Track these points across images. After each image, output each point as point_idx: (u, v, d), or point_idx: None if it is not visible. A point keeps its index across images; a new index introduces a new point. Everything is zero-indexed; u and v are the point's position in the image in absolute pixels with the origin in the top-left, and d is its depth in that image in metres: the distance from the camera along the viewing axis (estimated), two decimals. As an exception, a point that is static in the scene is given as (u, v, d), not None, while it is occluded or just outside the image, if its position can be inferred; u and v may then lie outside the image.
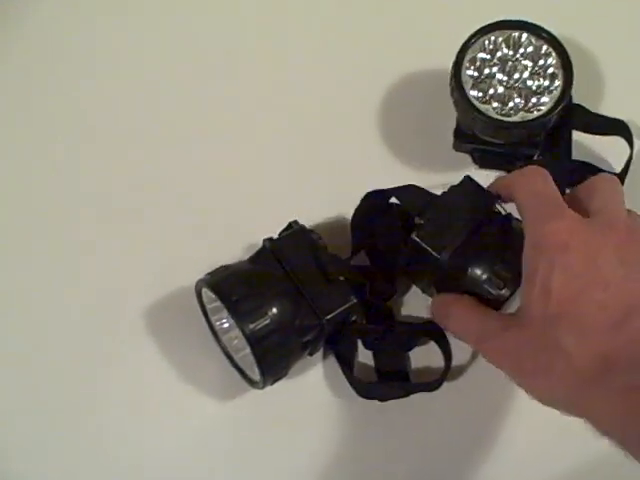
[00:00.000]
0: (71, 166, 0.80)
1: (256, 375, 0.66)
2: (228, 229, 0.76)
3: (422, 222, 0.66)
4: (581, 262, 0.55)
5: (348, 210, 0.73)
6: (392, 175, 0.78)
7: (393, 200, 0.71)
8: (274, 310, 0.64)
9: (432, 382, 0.69)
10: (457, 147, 0.79)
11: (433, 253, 0.65)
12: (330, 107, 0.82)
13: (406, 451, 0.70)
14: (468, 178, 0.69)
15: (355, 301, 0.66)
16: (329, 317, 0.65)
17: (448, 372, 0.69)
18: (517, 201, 0.62)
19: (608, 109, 0.79)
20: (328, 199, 0.77)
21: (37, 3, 0.86)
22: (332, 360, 0.72)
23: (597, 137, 0.78)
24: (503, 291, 0.65)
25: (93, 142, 0.81)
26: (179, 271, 0.72)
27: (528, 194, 0.61)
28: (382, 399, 0.70)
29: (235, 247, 0.73)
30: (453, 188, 0.68)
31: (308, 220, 0.73)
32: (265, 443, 0.71)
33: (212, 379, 0.72)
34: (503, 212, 0.69)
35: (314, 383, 0.72)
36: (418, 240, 0.66)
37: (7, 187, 0.80)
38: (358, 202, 0.73)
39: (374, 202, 0.71)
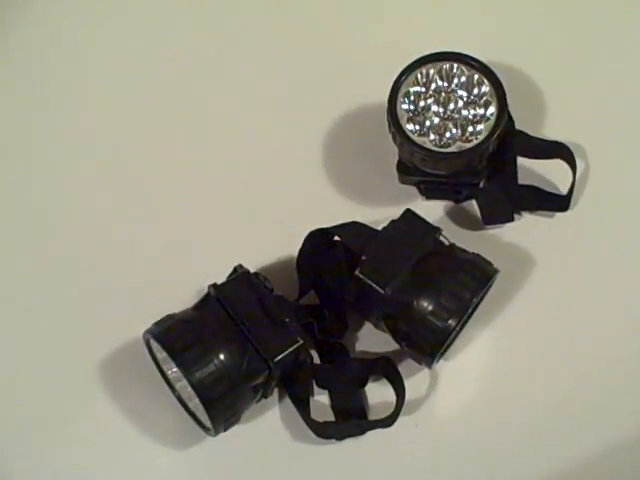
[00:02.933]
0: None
1: (209, 418, 0.65)
2: (177, 276, 0.76)
3: (364, 257, 0.66)
4: None
5: (295, 249, 0.73)
6: (340, 212, 0.77)
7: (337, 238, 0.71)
8: (220, 357, 0.63)
9: (386, 418, 0.68)
10: (402, 180, 0.79)
11: (377, 288, 0.65)
12: (272, 149, 0.83)
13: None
14: (409, 211, 0.69)
15: (301, 342, 0.66)
16: (276, 360, 0.65)
17: (402, 407, 0.69)
18: None
19: (552, 131, 0.80)
20: (275, 239, 0.77)
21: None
22: (288, 401, 0.71)
23: (543, 160, 0.79)
24: (450, 322, 0.65)
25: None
26: (130, 322, 0.72)
27: None
28: (339, 438, 0.69)
29: (184, 294, 0.73)
30: (394, 222, 0.68)
31: (256, 262, 0.73)
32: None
33: (168, 429, 0.72)
34: (447, 243, 0.69)
35: (271, 426, 0.71)
36: (362, 276, 0.66)
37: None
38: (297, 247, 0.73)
39: (318, 241, 0.71)
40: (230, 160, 0.82)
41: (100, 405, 0.72)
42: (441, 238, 0.69)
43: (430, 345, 0.66)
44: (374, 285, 0.65)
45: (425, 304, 0.65)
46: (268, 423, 0.71)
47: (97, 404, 0.72)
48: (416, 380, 0.72)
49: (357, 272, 0.66)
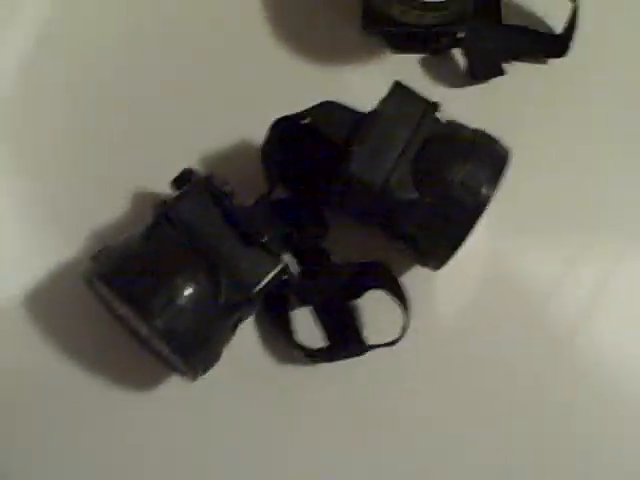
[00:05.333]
0: None
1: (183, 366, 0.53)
2: (114, 180, 0.61)
3: (354, 149, 0.53)
4: None
5: (251, 138, 0.59)
6: (298, 78, 0.64)
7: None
8: (187, 295, 0.50)
9: (391, 341, 0.57)
10: (366, 29, 0.64)
11: (375, 186, 0.52)
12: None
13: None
14: (398, 86, 0.55)
15: (284, 264, 0.53)
16: (257, 289, 0.52)
17: (408, 325, 0.58)
18: None
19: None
20: (227, 129, 0.61)
21: None
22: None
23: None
24: (484, 190, 0.53)
25: None
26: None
27: None
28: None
29: (124, 205, 0.59)
30: (384, 101, 0.54)
31: (205, 160, 0.58)
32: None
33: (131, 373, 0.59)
34: (444, 121, 0.56)
35: (250, 351, 0.60)
36: (355, 172, 0.52)
37: None
38: (264, 129, 0.57)
39: (285, 129, 0.56)
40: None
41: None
42: (437, 115, 0.55)
43: (448, 240, 0.54)
44: (371, 182, 0.52)
45: (433, 200, 0.53)
46: (247, 348, 0.59)
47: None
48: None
49: (350, 168, 0.52)
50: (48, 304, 0.59)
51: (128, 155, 0.62)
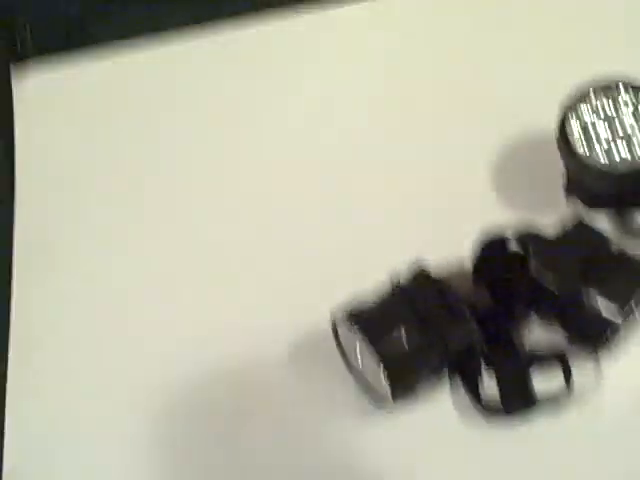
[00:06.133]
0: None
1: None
2: (354, 275, 0.83)
3: (537, 259, 0.73)
4: None
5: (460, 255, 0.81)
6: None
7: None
8: (404, 338, 0.71)
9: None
10: (569, 200, 0.85)
11: (550, 287, 0.71)
12: (446, 165, 0.91)
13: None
14: (581, 222, 0.75)
15: (478, 333, 0.73)
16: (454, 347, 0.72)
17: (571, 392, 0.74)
18: None
19: None
20: (441, 245, 0.83)
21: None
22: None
23: None
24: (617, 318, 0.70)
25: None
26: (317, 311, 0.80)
27: None
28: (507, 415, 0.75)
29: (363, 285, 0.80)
30: (567, 229, 0.75)
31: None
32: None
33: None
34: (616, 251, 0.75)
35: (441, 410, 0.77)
36: (535, 276, 0.72)
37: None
38: (469, 248, 0.79)
39: (494, 248, 0.78)
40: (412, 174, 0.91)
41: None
42: (614, 247, 0.74)
43: (598, 337, 0.71)
44: (547, 284, 0.72)
45: (595, 301, 0.71)
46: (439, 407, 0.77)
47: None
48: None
49: (531, 272, 0.72)
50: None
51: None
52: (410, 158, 0.92)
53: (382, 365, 0.70)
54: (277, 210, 0.91)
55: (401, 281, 0.75)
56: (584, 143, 0.79)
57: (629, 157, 0.78)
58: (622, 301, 0.70)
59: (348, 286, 0.79)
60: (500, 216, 0.85)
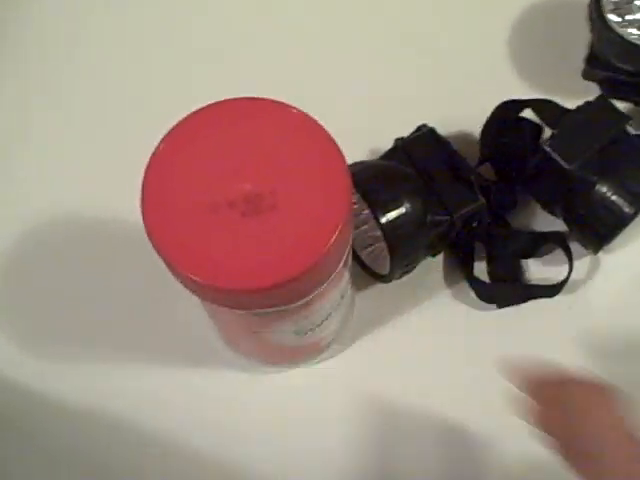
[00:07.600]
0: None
1: (384, 269, 0.70)
2: (356, 132, 0.79)
3: (555, 133, 0.69)
4: None
5: (474, 124, 0.77)
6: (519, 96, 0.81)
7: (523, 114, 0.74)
8: (406, 204, 0.67)
9: (551, 286, 0.72)
10: (587, 75, 0.81)
11: (563, 163, 0.68)
12: (462, 30, 0.86)
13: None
14: (602, 97, 0.71)
15: (483, 201, 0.69)
16: (459, 213, 0.68)
17: (568, 279, 0.72)
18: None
19: None
20: (455, 111, 0.79)
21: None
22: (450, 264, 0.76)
23: None
24: (631, 207, 0.67)
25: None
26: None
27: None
28: (500, 303, 0.73)
29: (362, 149, 0.77)
30: (588, 104, 0.71)
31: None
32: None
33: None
34: (633, 132, 0.71)
35: (433, 283, 0.75)
36: (549, 150, 0.69)
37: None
38: (483, 119, 0.75)
39: (506, 113, 0.74)
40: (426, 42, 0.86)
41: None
42: (629, 128, 0.71)
43: (606, 226, 0.68)
44: (560, 159, 0.68)
45: (607, 187, 0.68)
46: (431, 280, 0.75)
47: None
48: (576, 264, 0.74)
49: (545, 145, 0.69)
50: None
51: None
52: (427, 30, 0.86)
53: (385, 236, 0.66)
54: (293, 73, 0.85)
55: (405, 143, 0.71)
56: (616, 13, 0.74)
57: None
58: (636, 191, 0.67)
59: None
60: (509, 88, 0.80)
